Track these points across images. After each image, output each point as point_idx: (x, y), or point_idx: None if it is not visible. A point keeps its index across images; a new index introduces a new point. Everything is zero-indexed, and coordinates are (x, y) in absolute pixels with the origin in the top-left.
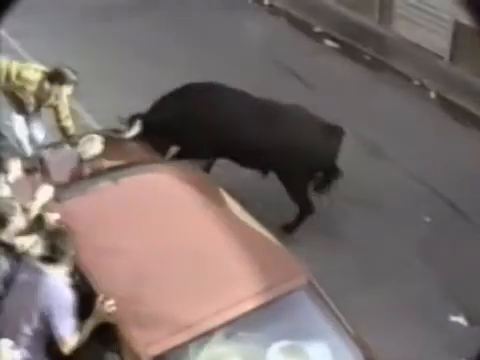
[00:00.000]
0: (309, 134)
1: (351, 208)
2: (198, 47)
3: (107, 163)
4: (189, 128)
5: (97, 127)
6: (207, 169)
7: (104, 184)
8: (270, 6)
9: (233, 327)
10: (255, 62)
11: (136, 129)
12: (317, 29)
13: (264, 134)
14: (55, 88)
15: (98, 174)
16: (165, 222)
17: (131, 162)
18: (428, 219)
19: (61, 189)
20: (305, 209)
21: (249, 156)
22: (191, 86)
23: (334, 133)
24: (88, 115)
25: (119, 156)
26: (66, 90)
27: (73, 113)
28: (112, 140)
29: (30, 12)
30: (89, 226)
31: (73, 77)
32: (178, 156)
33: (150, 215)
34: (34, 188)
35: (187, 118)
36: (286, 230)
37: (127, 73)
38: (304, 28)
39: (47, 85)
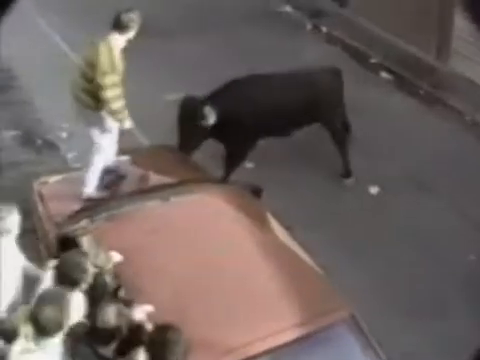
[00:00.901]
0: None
1: (395, 240)
2: (251, 70)
3: (157, 180)
4: (243, 114)
5: (146, 142)
6: (257, 193)
7: (153, 203)
8: (328, 34)
9: (274, 356)
10: None
11: (212, 117)
12: (373, 60)
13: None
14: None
15: (148, 192)
16: (211, 245)
17: (181, 181)
18: (473, 257)
19: (111, 204)
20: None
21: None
22: (237, 79)
23: (338, 75)
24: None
25: (170, 173)
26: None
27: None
28: (163, 156)
29: (93, 26)
30: (135, 246)
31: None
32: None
33: (197, 237)
34: None
35: (240, 104)
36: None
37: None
38: (360, 58)
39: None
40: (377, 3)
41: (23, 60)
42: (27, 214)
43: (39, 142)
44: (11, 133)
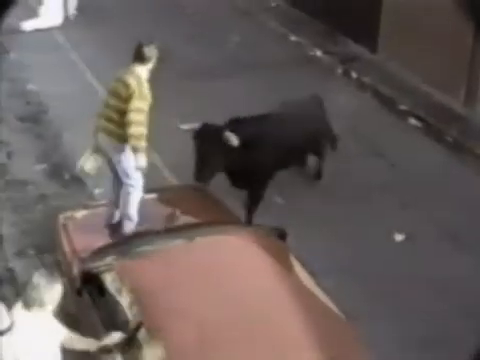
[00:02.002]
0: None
1: (425, 291)
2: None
3: (184, 219)
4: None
5: (175, 182)
6: (282, 237)
7: (178, 242)
8: (358, 80)
9: None
10: (336, 133)
11: (235, 140)
12: (402, 107)
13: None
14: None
15: (173, 231)
16: (234, 286)
17: (207, 221)
18: None
19: (135, 242)
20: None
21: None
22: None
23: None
24: (166, 169)
25: (197, 213)
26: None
27: (153, 167)
28: (191, 195)
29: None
30: (158, 285)
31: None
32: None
33: (220, 278)
34: None
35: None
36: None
37: None
38: (390, 104)
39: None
40: (407, 50)
41: (54, 94)
42: (53, 248)
43: (67, 176)
44: (40, 167)
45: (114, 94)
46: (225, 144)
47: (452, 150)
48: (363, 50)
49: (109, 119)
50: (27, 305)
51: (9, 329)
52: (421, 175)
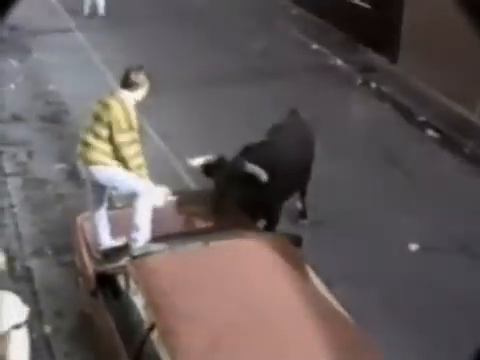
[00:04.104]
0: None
1: (438, 305)
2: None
3: (200, 223)
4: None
5: (192, 186)
6: (297, 243)
7: (193, 246)
8: (377, 90)
9: None
10: (356, 144)
11: (264, 175)
12: (421, 118)
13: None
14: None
15: (189, 234)
16: (247, 292)
17: (223, 226)
18: None
19: (151, 245)
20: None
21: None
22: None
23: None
24: (187, 176)
25: (213, 217)
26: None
27: (173, 171)
28: (208, 199)
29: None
30: (173, 287)
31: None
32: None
33: (233, 284)
34: None
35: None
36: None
37: (228, 138)
38: (408, 115)
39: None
40: (426, 61)
41: (74, 95)
42: (70, 247)
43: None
44: (59, 166)
45: (95, 117)
46: (244, 178)
47: (469, 161)
48: (383, 60)
49: (85, 143)
50: None
51: (25, 323)
52: (437, 186)
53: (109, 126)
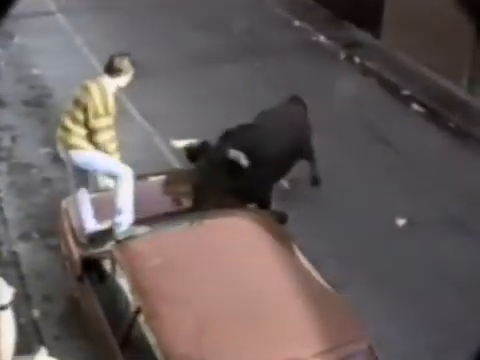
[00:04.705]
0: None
1: (426, 276)
2: (286, 97)
3: (186, 203)
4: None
5: (178, 166)
6: (282, 220)
7: (179, 226)
8: (361, 65)
9: None
10: (341, 119)
11: (244, 160)
12: (405, 92)
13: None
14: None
15: (175, 215)
16: (232, 272)
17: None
18: None
19: (136, 227)
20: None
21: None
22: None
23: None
24: (173, 156)
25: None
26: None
27: (155, 149)
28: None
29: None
30: (159, 270)
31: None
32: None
33: (219, 264)
34: None
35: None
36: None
37: (213, 116)
38: (393, 90)
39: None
40: (411, 36)
41: (58, 79)
42: (57, 231)
43: None
44: (44, 150)
45: (74, 101)
46: (228, 164)
47: (455, 136)
48: (366, 36)
49: (64, 127)
50: None
51: (11, 303)
52: (423, 160)
53: (86, 110)
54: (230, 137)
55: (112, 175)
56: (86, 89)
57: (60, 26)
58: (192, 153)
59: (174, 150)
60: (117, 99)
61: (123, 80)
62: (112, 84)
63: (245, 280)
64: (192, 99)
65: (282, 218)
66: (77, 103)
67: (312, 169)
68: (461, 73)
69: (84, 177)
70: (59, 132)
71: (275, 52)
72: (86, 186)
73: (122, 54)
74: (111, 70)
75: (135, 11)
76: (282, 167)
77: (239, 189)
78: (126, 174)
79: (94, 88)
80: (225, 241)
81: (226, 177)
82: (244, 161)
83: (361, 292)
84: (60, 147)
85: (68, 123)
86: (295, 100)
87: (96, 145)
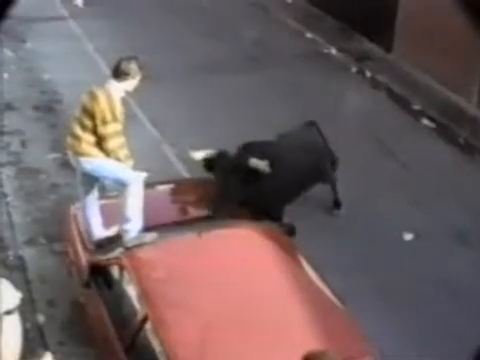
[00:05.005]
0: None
1: (430, 291)
2: (295, 109)
3: (194, 212)
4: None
5: (186, 175)
6: (291, 232)
7: (187, 235)
8: (372, 79)
9: None
10: (350, 132)
11: (266, 167)
12: (416, 106)
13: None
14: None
15: (183, 224)
16: (239, 282)
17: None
18: None
19: (144, 234)
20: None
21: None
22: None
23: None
24: (180, 164)
25: (207, 206)
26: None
27: (164, 159)
28: (203, 188)
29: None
30: (166, 278)
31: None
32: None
33: (226, 274)
34: None
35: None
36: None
37: (222, 125)
38: (403, 104)
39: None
40: (422, 50)
41: (68, 84)
42: (63, 237)
43: None
44: (52, 156)
45: (82, 108)
46: (245, 174)
47: (464, 151)
48: (378, 49)
49: (73, 134)
50: None
51: (16, 308)
52: (432, 175)
53: (93, 117)
54: (250, 147)
55: (122, 182)
56: (92, 95)
57: (72, 32)
58: (209, 163)
59: (181, 157)
60: (125, 105)
61: (130, 84)
62: (119, 89)
63: (251, 290)
64: (201, 107)
65: (290, 230)
66: (84, 110)
67: (333, 193)
68: (471, 89)
69: (93, 184)
70: (68, 139)
71: (286, 63)
72: (94, 193)
73: (130, 58)
74: (118, 74)
75: (146, 18)
76: (298, 185)
77: (253, 200)
78: (136, 181)
79: (100, 94)
80: (232, 251)
81: (242, 187)
82: (265, 167)
83: (366, 304)
84: (70, 154)
85: (77, 130)
86: (311, 125)
87: (106, 152)
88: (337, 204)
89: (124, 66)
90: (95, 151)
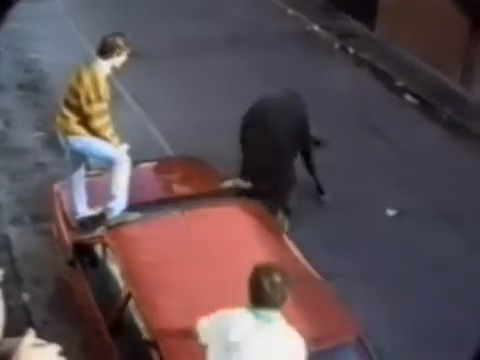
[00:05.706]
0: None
1: (420, 272)
2: (278, 86)
3: (178, 190)
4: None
5: (170, 153)
6: (274, 211)
7: (171, 213)
8: (355, 56)
9: None
10: (333, 108)
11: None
12: (399, 83)
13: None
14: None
15: (167, 202)
16: (223, 260)
17: (201, 193)
18: None
19: (128, 213)
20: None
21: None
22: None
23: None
24: (166, 143)
25: (192, 184)
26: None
27: (149, 136)
28: (187, 166)
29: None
30: (150, 256)
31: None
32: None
33: (210, 250)
34: None
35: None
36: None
37: (206, 103)
38: (386, 81)
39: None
40: (405, 27)
41: (53, 63)
42: (48, 216)
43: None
44: (37, 134)
45: (69, 88)
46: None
47: (447, 128)
48: (361, 26)
49: (62, 114)
50: None
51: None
52: (416, 152)
53: (78, 96)
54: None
55: (110, 161)
56: (77, 75)
57: (59, 12)
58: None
59: (167, 136)
60: (110, 84)
61: (118, 60)
62: (106, 66)
63: (234, 267)
64: (186, 85)
65: (286, 210)
66: (71, 89)
67: (314, 180)
68: (455, 65)
69: (81, 163)
70: (58, 119)
71: (268, 41)
72: (81, 171)
73: (115, 34)
74: (104, 51)
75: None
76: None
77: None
78: (122, 160)
79: (85, 74)
80: (216, 229)
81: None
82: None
83: (351, 283)
84: (59, 133)
85: (65, 109)
86: (293, 94)
87: (92, 131)
88: (320, 190)
89: (110, 42)
90: (82, 130)
